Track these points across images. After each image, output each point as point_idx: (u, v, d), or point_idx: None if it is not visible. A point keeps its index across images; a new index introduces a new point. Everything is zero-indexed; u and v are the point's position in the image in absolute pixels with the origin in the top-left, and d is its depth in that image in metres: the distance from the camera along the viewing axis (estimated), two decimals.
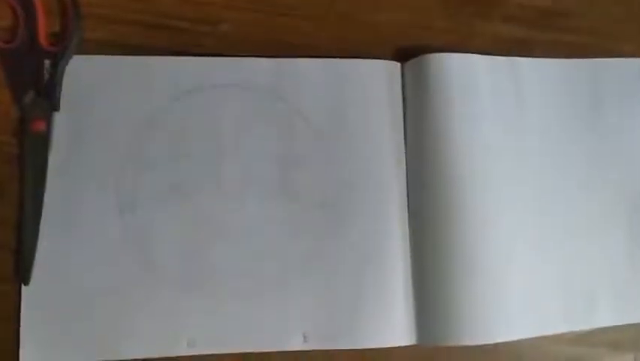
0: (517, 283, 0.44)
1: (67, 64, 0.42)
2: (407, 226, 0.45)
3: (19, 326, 0.40)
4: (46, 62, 0.42)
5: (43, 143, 0.41)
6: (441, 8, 0.48)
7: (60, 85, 0.42)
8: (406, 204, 0.45)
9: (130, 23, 0.44)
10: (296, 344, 0.42)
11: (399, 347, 0.43)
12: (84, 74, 0.43)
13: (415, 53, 0.46)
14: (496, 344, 0.43)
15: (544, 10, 0.49)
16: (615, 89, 0.49)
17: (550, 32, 0.49)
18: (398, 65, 0.46)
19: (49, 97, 0.42)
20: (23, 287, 0.40)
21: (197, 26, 0.45)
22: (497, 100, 0.46)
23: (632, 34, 0.50)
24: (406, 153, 0.45)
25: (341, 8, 0.47)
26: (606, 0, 0.50)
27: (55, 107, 0.42)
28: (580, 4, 0.49)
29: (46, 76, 0.42)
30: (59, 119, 0.42)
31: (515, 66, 0.47)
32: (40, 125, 0.41)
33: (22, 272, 0.40)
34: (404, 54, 0.46)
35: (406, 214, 0.45)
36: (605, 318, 0.46)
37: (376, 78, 0.46)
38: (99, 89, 0.43)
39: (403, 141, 0.46)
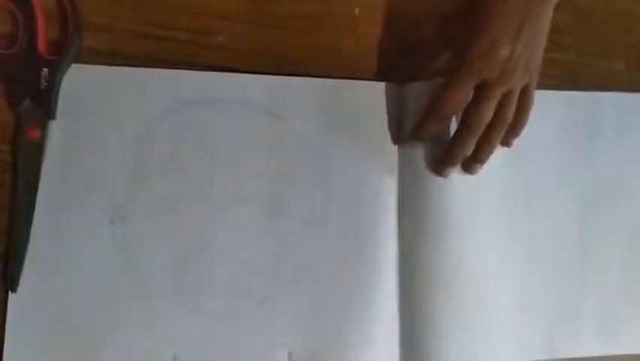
0: (501, 311, 0.44)
1: (65, 73, 0.42)
2: (396, 247, 0.44)
3: (4, 332, 0.39)
4: (44, 70, 0.42)
5: (37, 150, 0.41)
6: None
7: (57, 93, 0.42)
8: (396, 224, 0.45)
9: (128, 33, 0.44)
10: None
11: None
12: (81, 84, 0.43)
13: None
14: None
15: None
16: (611, 122, 0.49)
17: (543, 51, 0.49)
18: (394, 86, 0.46)
19: (45, 105, 0.42)
20: (10, 294, 0.39)
21: (194, 37, 0.45)
22: None
23: (622, 52, 0.51)
24: (398, 172, 0.45)
25: (335, 23, 0.47)
26: (596, 19, 0.51)
27: (51, 115, 0.42)
28: (571, 23, 0.50)
29: (44, 84, 0.42)
30: (54, 127, 0.42)
31: None
32: (35, 133, 0.41)
33: (10, 279, 0.39)
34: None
35: (396, 235, 0.44)
36: (591, 348, 0.46)
37: (371, 99, 0.46)
38: (95, 99, 0.43)
39: (395, 160, 0.45)
